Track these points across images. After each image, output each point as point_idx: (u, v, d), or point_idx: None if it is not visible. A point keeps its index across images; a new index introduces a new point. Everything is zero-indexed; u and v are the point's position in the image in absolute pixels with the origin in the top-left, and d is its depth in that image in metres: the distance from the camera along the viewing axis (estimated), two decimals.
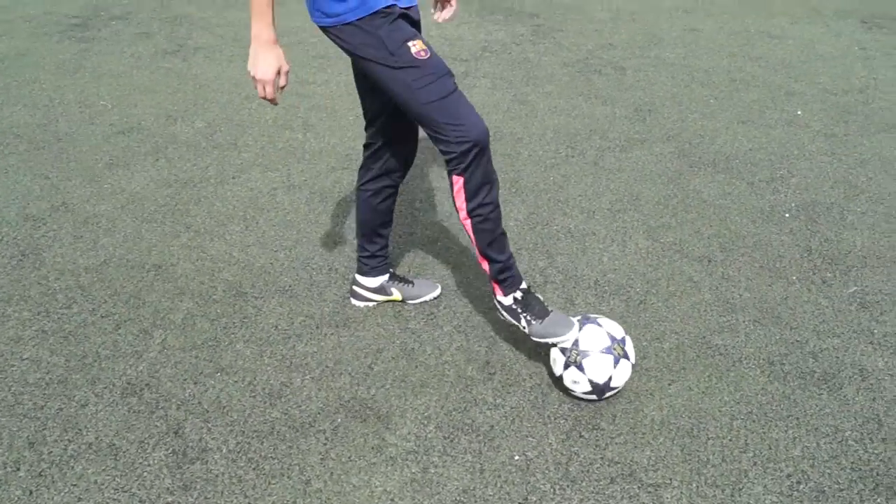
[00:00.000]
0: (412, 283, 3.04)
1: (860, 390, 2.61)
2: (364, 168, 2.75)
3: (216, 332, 2.83)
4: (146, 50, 5.59)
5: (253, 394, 2.56)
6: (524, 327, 2.56)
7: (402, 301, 3.01)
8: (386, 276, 2.97)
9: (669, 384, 2.63)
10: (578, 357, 2.46)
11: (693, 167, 4.01)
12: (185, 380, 2.60)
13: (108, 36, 5.89)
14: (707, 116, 4.59)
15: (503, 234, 2.51)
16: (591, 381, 2.46)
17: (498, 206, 2.46)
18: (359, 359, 2.72)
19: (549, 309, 2.56)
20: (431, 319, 2.91)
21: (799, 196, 3.76)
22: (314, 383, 2.61)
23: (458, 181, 2.40)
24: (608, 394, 2.52)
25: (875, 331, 2.89)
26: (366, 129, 2.69)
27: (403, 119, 2.55)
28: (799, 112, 4.65)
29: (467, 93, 2.62)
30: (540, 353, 2.73)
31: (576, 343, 2.49)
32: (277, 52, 2.24)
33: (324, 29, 2.37)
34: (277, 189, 3.77)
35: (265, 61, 2.23)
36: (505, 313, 2.60)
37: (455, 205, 2.46)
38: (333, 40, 2.38)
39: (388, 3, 2.28)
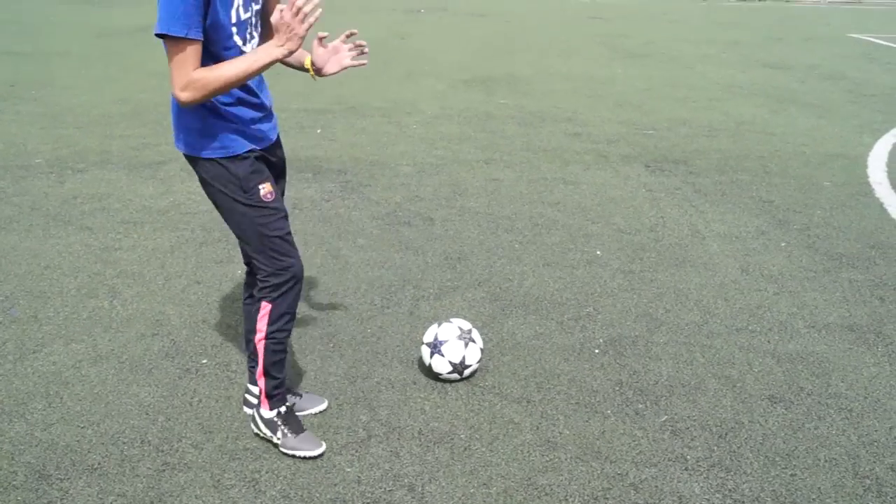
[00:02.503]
0: (300, 395, 3.24)
1: None
2: (249, 284, 3.04)
3: None
4: None
5: None
6: (278, 439, 2.93)
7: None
8: None
9: None
10: (439, 346, 3.33)
11: (505, 310, 4.16)
12: None
13: None
14: (514, 261, 4.81)
15: (285, 356, 2.91)
16: (450, 362, 3.34)
17: (289, 335, 2.87)
18: None
19: (304, 428, 2.98)
20: (254, 485, 2.78)
21: (606, 332, 3.96)
22: None
23: (267, 307, 2.78)
24: (467, 371, 3.39)
25: (688, 457, 3.03)
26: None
27: None
28: (598, 252, 4.97)
29: None
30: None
31: (436, 336, 3.35)
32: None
33: (186, 156, 2.66)
34: (83, 361, 3.55)
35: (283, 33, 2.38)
36: (263, 426, 2.96)
37: (255, 327, 2.82)
38: (193, 167, 2.68)
39: (248, 148, 2.63)
